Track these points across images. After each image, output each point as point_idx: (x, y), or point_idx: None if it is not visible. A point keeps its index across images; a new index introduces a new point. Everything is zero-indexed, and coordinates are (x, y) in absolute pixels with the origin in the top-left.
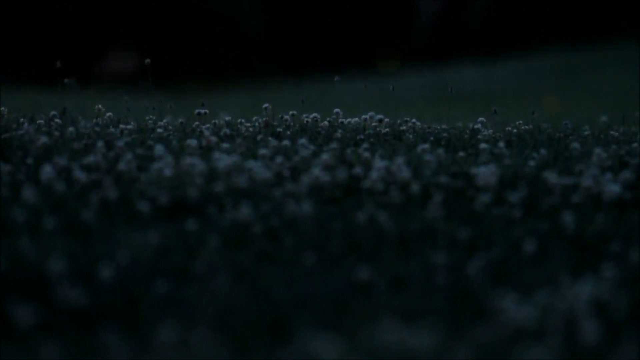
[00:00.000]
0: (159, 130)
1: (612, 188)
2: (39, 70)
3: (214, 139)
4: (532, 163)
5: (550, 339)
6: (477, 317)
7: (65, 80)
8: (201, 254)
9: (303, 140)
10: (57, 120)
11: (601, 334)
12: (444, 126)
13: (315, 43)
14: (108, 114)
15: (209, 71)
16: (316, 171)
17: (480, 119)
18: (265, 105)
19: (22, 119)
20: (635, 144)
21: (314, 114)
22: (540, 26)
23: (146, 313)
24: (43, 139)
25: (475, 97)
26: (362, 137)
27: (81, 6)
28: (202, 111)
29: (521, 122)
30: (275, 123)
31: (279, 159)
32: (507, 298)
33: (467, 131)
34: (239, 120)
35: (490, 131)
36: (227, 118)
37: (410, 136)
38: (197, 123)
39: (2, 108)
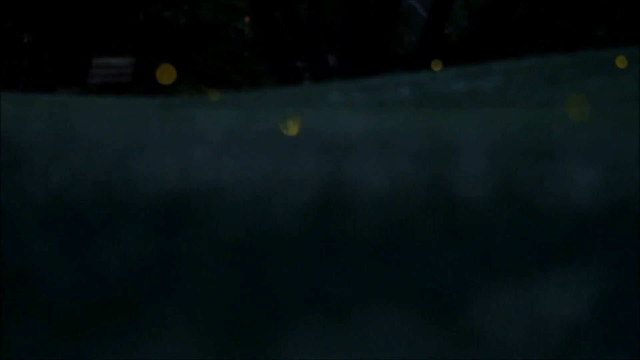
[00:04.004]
0: None
1: None
2: (28, 76)
3: None
4: None
5: None
6: None
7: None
8: None
9: None
10: None
11: None
12: None
13: (302, 51)
14: None
15: (200, 76)
16: None
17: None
18: None
19: None
20: None
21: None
22: (523, 35)
23: None
24: None
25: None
26: None
27: (69, 13)
28: None
29: None
30: None
31: None
32: None
33: None
34: None
35: None
36: None
37: None
38: None
39: None
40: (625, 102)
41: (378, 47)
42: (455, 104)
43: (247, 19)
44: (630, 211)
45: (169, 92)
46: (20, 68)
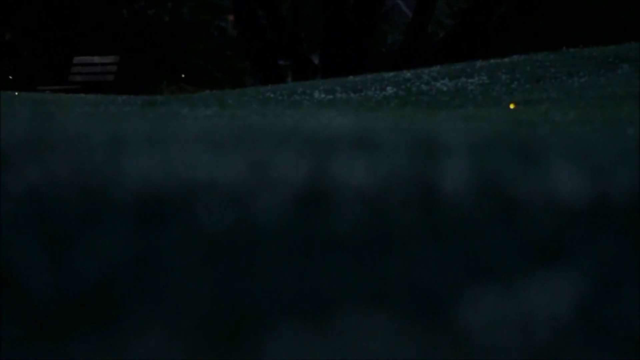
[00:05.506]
0: None
1: None
2: (9, 74)
3: None
4: None
5: None
6: None
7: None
8: None
9: None
10: None
11: None
12: None
13: (285, 49)
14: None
15: (183, 74)
16: None
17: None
18: None
19: None
20: None
21: None
22: (506, 33)
23: None
24: None
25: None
26: None
27: (51, 10)
28: None
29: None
30: None
31: None
32: None
33: None
34: None
35: None
36: None
37: None
38: None
39: None
40: (608, 100)
41: (361, 46)
42: (439, 103)
43: (230, 18)
44: (613, 210)
45: (152, 90)
46: (1, 66)
